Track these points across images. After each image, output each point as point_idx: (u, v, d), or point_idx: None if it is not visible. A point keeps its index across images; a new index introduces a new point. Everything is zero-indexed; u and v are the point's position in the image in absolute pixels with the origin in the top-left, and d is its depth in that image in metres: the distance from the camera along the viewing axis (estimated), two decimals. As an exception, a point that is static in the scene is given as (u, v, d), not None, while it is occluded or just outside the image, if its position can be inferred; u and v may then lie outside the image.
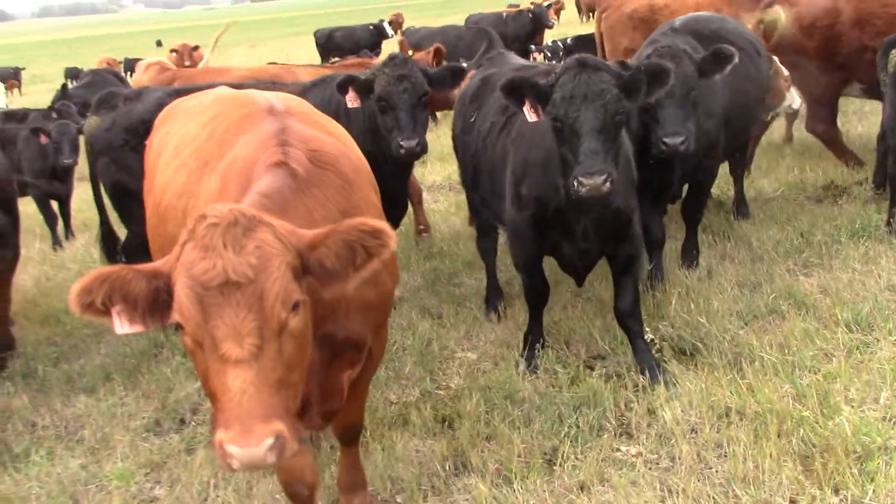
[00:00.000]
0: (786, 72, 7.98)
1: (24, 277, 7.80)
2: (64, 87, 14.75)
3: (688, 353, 5.11)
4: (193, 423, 5.05)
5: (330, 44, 25.23)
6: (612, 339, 5.32)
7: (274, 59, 20.67)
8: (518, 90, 4.55)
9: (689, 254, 6.53)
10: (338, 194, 3.20)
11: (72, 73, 25.73)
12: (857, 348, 4.88)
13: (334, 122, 4.14)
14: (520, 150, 5.00)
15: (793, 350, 4.89)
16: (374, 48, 24.55)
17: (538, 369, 5.13)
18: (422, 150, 5.62)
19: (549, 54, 15.64)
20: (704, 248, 6.76)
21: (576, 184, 4.24)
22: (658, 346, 5.17)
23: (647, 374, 4.85)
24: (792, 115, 9.96)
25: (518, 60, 6.27)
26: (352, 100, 5.61)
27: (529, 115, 4.54)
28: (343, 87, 5.58)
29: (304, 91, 6.10)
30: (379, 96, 5.60)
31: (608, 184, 4.22)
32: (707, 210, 7.51)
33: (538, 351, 5.26)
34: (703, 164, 6.14)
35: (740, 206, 7.56)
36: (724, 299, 5.65)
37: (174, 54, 21.61)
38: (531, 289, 5.31)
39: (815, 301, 5.51)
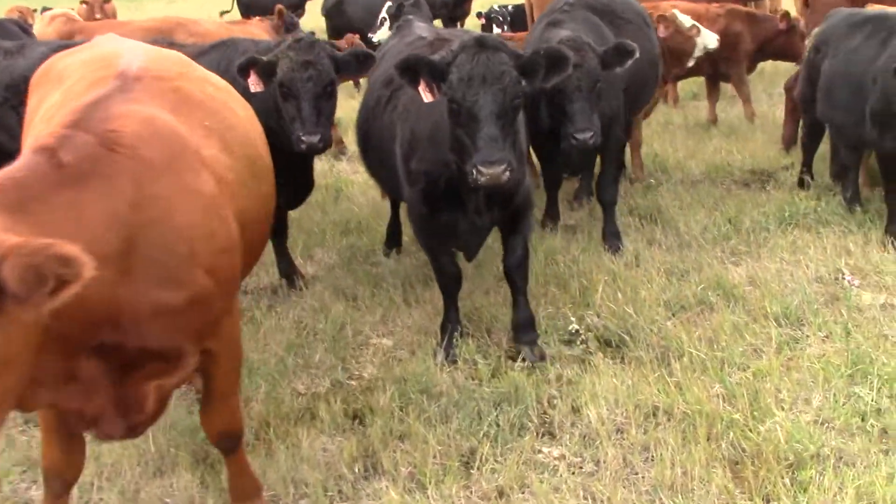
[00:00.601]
0: (688, 22, 8.06)
1: None
2: None
3: (614, 344, 4.88)
4: (79, 413, 4.59)
5: (252, 1, 24.32)
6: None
7: (192, 15, 19.77)
8: (412, 69, 4.34)
9: (612, 238, 6.34)
10: (129, 183, 2.73)
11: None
12: (787, 344, 4.72)
13: (218, 87, 3.73)
14: (406, 124, 4.82)
15: (722, 345, 4.69)
16: (298, 8, 23.71)
17: (457, 360, 4.83)
18: (324, 145, 5.15)
19: (501, 19, 15.24)
20: (631, 232, 6.57)
21: (475, 172, 4.11)
22: (583, 336, 4.92)
23: (520, 333, 4.88)
24: (715, 97, 9.91)
25: (421, 29, 5.96)
26: (254, 83, 5.07)
27: (424, 94, 4.34)
28: (244, 69, 5.05)
29: (200, 54, 5.59)
30: (281, 82, 5.10)
31: (508, 173, 4.10)
32: (634, 192, 7.37)
33: (457, 340, 4.96)
34: (609, 134, 6.05)
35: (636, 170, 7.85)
36: (652, 288, 5.43)
37: (84, 6, 20.54)
38: (439, 272, 5.05)
39: (743, 293, 5.33)
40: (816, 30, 7.06)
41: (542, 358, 4.74)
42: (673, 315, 5.14)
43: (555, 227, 6.71)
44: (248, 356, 4.94)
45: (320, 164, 9.35)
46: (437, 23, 17.91)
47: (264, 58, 5.11)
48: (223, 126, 3.33)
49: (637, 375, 4.45)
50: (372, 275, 6.11)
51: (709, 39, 8.24)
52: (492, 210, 4.68)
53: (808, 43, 7.10)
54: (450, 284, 5.06)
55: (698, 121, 10.05)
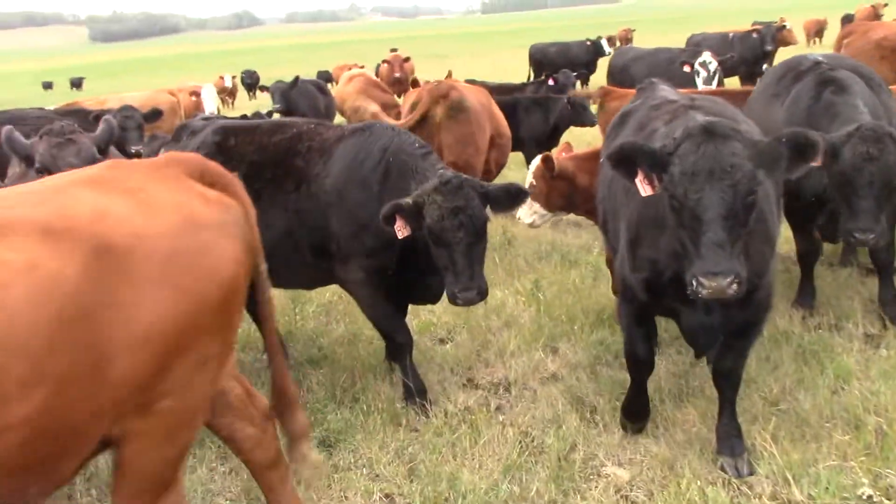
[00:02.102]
0: None
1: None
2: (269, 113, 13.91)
3: (921, 521, 3.69)
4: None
5: (544, 59, 24.50)
6: (813, 484, 3.97)
7: (487, 75, 20.02)
8: (629, 159, 3.83)
9: (890, 303, 5.87)
10: None
11: (324, 77, 25.69)
12: None
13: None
14: (632, 203, 4.28)
15: None
16: (590, 66, 23.53)
17: None
18: (481, 297, 4.73)
19: None
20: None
21: (695, 283, 3.59)
22: (878, 502, 3.77)
23: (724, 451, 4.32)
24: None
25: (667, 92, 5.29)
26: (400, 229, 4.75)
27: (643, 187, 3.85)
28: (389, 217, 4.73)
29: (340, 138, 5.29)
30: (430, 229, 4.70)
31: (734, 286, 3.54)
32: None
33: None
34: None
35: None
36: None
37: (385, 65, 21.55)
38: (630, 351, 4.62)
39: None
40: None
41: (748, 474, 4.19)
42: None
43: (808, 310, 6.00)
44: (458, 475, 4.35)
45: (584, 238, 8.71)
46: (735, 80, 16.66)
47: (409, 200, 4.73)
48: None
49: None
50: (618, 382, 5.28)
51: None
52: (723, 308, 3.99)
53: None
54: (641, 370, 4.66)
55: None
